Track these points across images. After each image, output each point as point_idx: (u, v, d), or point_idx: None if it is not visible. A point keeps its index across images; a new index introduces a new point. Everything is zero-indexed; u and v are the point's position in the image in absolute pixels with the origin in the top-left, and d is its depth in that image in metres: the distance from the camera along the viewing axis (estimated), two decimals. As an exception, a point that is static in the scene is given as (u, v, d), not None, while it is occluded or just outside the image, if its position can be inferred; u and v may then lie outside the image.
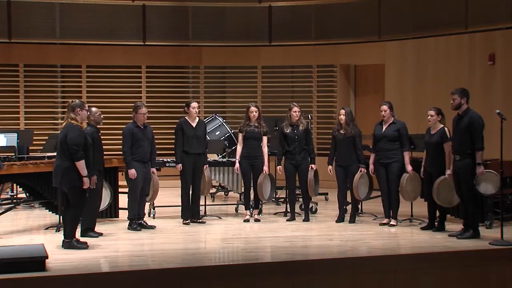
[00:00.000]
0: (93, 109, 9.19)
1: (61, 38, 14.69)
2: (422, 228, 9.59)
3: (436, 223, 9.55)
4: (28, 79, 14.61)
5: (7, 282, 6.75)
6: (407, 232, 9.55)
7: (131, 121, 9.78)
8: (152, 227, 9.66)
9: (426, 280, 7.86)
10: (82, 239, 8.50)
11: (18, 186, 11.49)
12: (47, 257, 7.16)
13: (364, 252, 8.32)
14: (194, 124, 10.05)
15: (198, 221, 10.11)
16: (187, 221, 10.06)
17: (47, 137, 10.16)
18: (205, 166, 10.18)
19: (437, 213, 9.62)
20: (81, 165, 8.12)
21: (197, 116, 10.20)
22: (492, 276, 8.08)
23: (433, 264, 8.00)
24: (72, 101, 8.42)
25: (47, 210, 10.16)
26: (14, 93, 14.59)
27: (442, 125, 9.45)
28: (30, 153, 11.22)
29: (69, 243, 8.23)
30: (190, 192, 10.06)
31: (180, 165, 9.95)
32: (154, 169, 9.83)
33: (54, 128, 14.54)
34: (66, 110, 8.49)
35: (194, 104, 10.08)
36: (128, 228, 9.58)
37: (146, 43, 15.00)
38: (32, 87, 14.62)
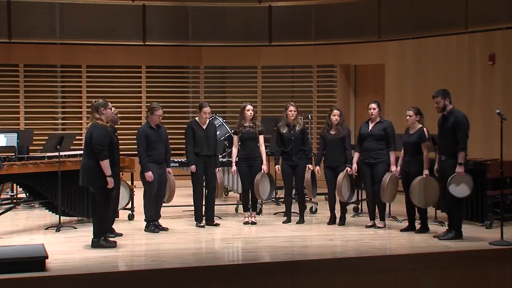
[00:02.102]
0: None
1: (61, 38, 14.69)
2: (402, 230, 9.50)
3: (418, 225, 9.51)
4: (28, 79, 14.61)
5: (7, 282, 6.76)
6: (404, 232, 9.53)
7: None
8: (165, 229, 9.63)
9: (426, 280, 7.87)
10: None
11: (18, 186, 11.49)
12: (47, 257, 7.17)
13: (364, 252, 8.31)
14: (204, 126, 10.01)
15: (213, 224, 10.05)
16: (201, 224, 9.98)
17: (47, 137, 10.16)
18: (217, 168, 10.15)
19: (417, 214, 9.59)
20: (105, 164, 8.19)
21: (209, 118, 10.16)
22: (492, 276, 8.08)
23: (433, 264, 8.00)
24: (95, 101, 8.48)
25: (47, 210, 10.17)
26: (14, 93, 14.59)
27: (420, 125, 9.40)
28: (30, 153, 11.21)
29: (97, 242, 8.30)
30: (204, 194, 10.03)
31: (194, 166, 9.88)
32: (170, 169, 9.81)
33: (54, 128, 14.58)
34: (89, 110, 8.52)
35: (206, 110, 9.98)
36: (145, 230, 9.56)
37: (146, 43, 15.00)
38: (32, 87, 14.63)
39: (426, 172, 9.19)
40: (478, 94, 12.56)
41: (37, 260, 7.11)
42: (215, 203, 10.18)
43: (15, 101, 14.57)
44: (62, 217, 9.59)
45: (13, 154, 10.25)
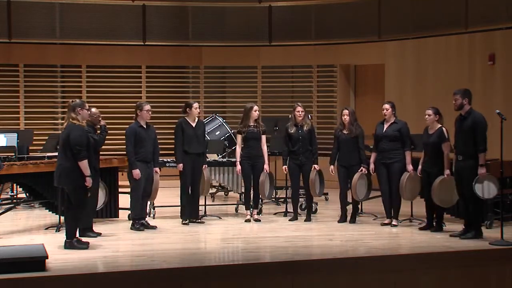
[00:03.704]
0: (93, 109, 9.19)
1: (61, 38, 14.70)
2: (421, 229, 9.57)
3: (434, 223, 9.55)
4: (28, 79, 14.62)
5: (7, 282, 6.75)
6: (407, 232, 9.55)
7: (132, 121, 9.78)
8: (154, 227, 9.65)
9: (426, 280, 7.86)
10: (83, 239, 8.52)
11: (18, 186, 11.49)
12: (47, 257, 7.16)
13: (364, 252, 8.32)
14: (194, 124, 10.06)
15: (197, 221, 10.11)
16: (186, 222, 10.05)
17: (47, 137, 10.16)
18: (204, 166, 10.19)
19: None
20: (84, 164, 8.15)
21: (197, 116, 10.22)
22: (492, 276, 8.08)
23: (433, 264, 7.99)
24: (72, 101, 8.44)
25: (47, 210, 10.17)
26: (14, 93, 14.60)
27: (440, 125, 9.43)
28: (30, 153, 11.22)
29: (70, 243, 8.24)
30: (190, 191, 10.06)
31: (181, 164, 9.94)
32: (157, 169, 9.82)
33: (54, 128, 14.57)
34: (66, 110, 8.50)
35: (196, 105, 10.09)
36: (131, 228, 9.57)
37: (146, 43, 15.01)
38: (32, 87, 14.64)
39: (447, 172, 9.23)
40: (478, 94, 12.52)
41: (37, 260, 7.10)
42: (201, 199, 10.25)
43: (15, 101, 14.58)
44: (62, 217, 9.58)
45: (13, 154, 10.26)
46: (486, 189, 8.74)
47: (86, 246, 8.28)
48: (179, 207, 10.47)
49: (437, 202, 9.37)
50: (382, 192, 9.95)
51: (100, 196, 9.57)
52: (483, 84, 12.58)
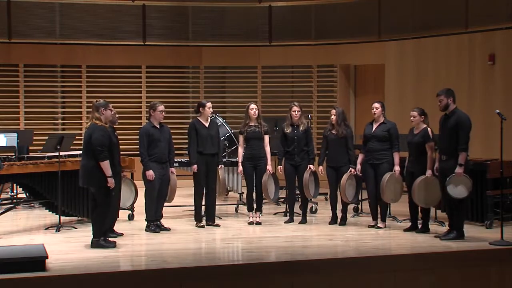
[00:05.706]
0: None
1: (61, 38, 14.70)
2: (406, 230, 9.48)
3: (419, 224, 9.51)
4: (28, 79, 14.62)
5: (7, 282, 6.76)
6: (407, 232, 9.54)
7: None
8: (168, 229, 9.60)
9: (426, 280, 7.86)
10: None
11: (18, 186, 11.49)
12: (47, 257, 7.17)
13: (364, 252, 8.31)
14: (207, 124, 9.99)
15: (214, 224, 10.04)
16: (201, 224, 9.97)
17: (47, 137, 10.16)
18: (220, 166, 10.12)
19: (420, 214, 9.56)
20: (106, 165, 8.21)
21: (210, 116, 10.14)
22: (492, 276, 8.08)
23: (433, 264, 8.00)
24: (96, 101, 8.56)
25: (47, 210, 10.17)
26: (14, 93, 14.60)
27: (425, 125, 9.39)
28: (30, 153, 11.21)
29: (97, 242, 8.29)
30: (204, 193, 10.01)
31: (195, 166, 9.85)
32: (173, 169, 9.76)
33: (54, 128, 14.60)
34: (89, 110, 8.59)
35: (209, 104, 9.98)
36: (146, 230, 9.55)
37: (146, 43, 15.01)
38: (32, 87, 14.64)
39: (429, 172, 9.18)
40: (478, 94, 12.56)
41: (37, 260, 7.11)
42: (217, 201, 10.17)
43: (15, 101, 14.58)
44: (62, 217, 9.60)
45: (13, 154, 10.26)
46: (458, 189, 8.65)
47: (113, 245, 8.35)
48: (180, 207, 10.49)
49: (416, 202, 9.30)
50: (368, 193, 9.89)
51: (129, 196, 9.66)
52: (483, 84, 12.58)
